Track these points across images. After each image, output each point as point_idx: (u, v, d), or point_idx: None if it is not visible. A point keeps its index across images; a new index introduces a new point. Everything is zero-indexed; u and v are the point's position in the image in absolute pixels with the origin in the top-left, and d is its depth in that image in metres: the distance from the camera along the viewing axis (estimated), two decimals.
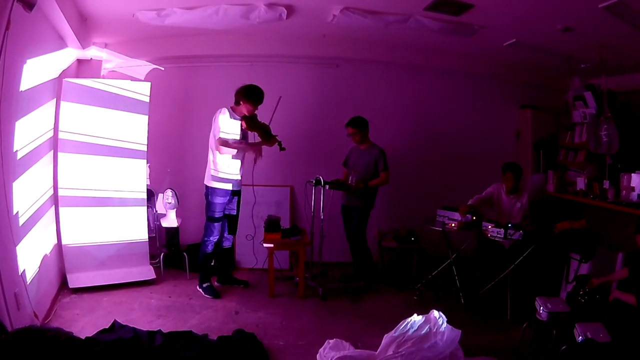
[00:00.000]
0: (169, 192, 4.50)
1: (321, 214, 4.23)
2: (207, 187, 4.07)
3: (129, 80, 4.45)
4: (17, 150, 2.99)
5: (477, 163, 5.32)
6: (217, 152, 3.96)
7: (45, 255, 3.60)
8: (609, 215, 4.33)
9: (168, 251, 4.55)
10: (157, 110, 4.58)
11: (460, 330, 2.98)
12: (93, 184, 4.15)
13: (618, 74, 4.53)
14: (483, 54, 4.89)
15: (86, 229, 4.13)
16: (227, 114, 3.96)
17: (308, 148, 5.05)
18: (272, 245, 4.17)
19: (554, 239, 3.98)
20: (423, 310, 3.23)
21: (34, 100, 3.31)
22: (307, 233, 4.43)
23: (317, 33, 4.56)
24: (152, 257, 4.53)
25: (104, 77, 4.45)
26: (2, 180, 2.68)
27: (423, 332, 3.00)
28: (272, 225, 4.28)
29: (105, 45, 4.49)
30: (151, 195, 4.61)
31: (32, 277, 3.18)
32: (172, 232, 4.58)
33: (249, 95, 3.97)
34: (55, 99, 3.90)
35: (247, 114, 3.99)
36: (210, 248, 4.15)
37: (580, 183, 4.87)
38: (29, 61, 3.02)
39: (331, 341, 3.10)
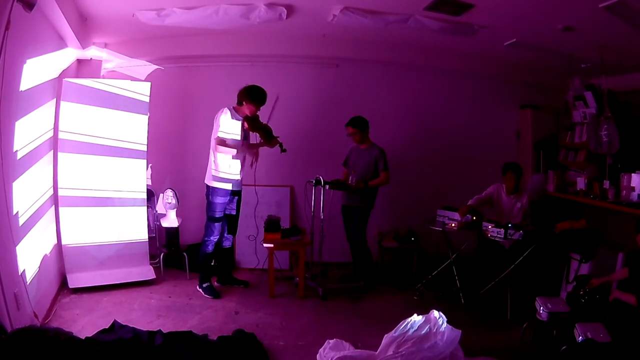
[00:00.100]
0: (169, 192, 4.51)
1: (321, 214, 4.23)
2: (207, 186, 4.07)
3: (129, 80, 4.44)
4: (17, 150, 2.99)
5: (477, 163, 5.32)
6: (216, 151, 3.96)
7: (45, 255, 3.60)
8: (609, 215, 4.32)
9: (168, 251, 4.54)
10: (157, 110, 4.59)
11: (460, 330, 2.98)
12: (93, 184, 4.15)
13: (618, 74, 4.52)
14: (483, 54, 4.88)
15: (86, 229, 4.13)
16: (229, 114, 3.96)
17: (308, 148, 5.05)
18: (272, 245, 4.17)
19: (554, 239, 3.97)
20: (423, 310, 3.23)
21: (34, 100, 3.31)
22: (307, 233, 4.43)
23: (317, 33, 4.55)
24: (152, 257, 4.53)
25: (104, 77, 4.45)
26: (2, 180, 2.68)
27: (423, 332, 3.00)
28: (272, 225, 4.27)
29: (105, 45, 4.49)
30: (151, 195, 4.61)
31: (32, 277, 3.18)
32: (172, 232, 4.58)
33: (252, 96, 3.97)
34: (55, 99, 3.90)
35: (249, 114, 4.00)
36: (210, 248, 4.15)
37: (581, 183, 4.86)
38: (29, 61, 3.01)
39: (331, 341, 3.10)
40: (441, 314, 3.12)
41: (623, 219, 4.01)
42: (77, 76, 4.31)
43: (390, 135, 5.01)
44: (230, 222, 4.27)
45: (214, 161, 4.02)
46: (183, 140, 5.01)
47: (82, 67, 4.45)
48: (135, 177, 4.35)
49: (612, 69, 4.34)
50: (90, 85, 4.12)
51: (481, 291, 4.19)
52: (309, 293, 4.25)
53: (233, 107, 4.04)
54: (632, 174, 4.15)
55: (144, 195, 4.40)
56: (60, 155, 3.99)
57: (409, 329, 3.04)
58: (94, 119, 4.10)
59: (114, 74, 4.64)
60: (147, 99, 4.32)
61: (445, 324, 3.02)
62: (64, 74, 4.01)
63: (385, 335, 3.04)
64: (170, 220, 4.53)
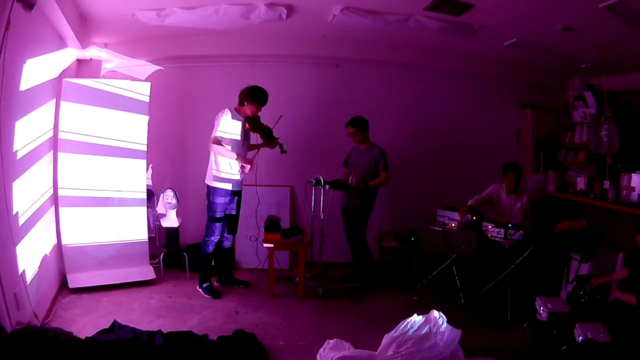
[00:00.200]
0: (169, 192, 4.51)
1: (321, 214, 4.23)
2: (208, 186, 4.07)
3: (129, 80, 4.44)
4: (17, 150, 2.99)
5: (477, 163, 5.32)
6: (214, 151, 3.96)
7: (45, 255, 3.60)
8: (609, 215, 4.32)
9: (168, 251, 4.54)
10: (157, 110, 4.59)
11: (460, 331, 2.98)
12: (93, 184, 4.15)
13: (618, 74, 4.52)
14: (483, 54, 4.88)
15: (86, 229, 4.12)
16: (229, 114, 3.96)
17: (308, 148, 5.05)
18: (272, 245, 4.17)
19: (554, 239, 3.97)
20: (423, 310, 3.23)
21: (34, 100, 3.31)
22: (307, 233, 4.43)
23: (317, 33, 4.55)
24: (152, 257, 4.53)
25: (104, 77, 4.45)
26: (2, 180, 2.69)
27: (423, 332, 3.00)
28: (272, 225, 4.27)
29: (105, 45, 4.49)
30: (151, 195, 4.61)
31: (32, 277, 3.17)
32: (172, 232, 4.57)
33: (253, 96, 3.97)
34: (55, 99, 3.90)
35: (250, 114, 4.00)
36: (211, 248, 4.15)
37: (581, 183, 4.86)
38: (29, 61, 3.02)
39: (331, 341, 3.10)
40: (441, 314, 3.12)
41: (623, 219, 4.01)
42: (77, 76, 4.31)
43: (390, 135, 5.01)
44: (230, 222, 4.27)
45: (215, 161, 4.02)
46: (183, 140, 5.01)
47: (82, 67, 4.45)
48: (135, 177, 4.35)
49: (612, 69, 4.34)
50: (90, 85, 4.12)
51: (481, 291, 4.18)
52: (309, 293, 4.25)
53: (234, 108, 4.04)
54: (632, 174, 4.15)
55: (144, 195, 4.40)
56: (60, 155, 3.99)
57: (409, 329, 3.04)
58: (94, 119, 4.10)
59: (114, 74, 4.64)
60: (147, 99, 4.32)
61: (445, 324, 3.02)
62: (64, 74, 4.01)
63: (385, 335, 3.04)
64: (170, 220, 4.53)
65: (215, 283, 4.27)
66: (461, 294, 4.18)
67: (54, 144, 3.96)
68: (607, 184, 4.45)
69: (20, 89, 2.95)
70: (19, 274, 2.90)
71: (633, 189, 4.12)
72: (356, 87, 5.22)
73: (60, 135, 3.96)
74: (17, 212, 2.97)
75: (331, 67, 5.17)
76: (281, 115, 4.08)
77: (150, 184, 4.54)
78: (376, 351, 2.96)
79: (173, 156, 4.99)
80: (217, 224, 4.10)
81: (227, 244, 4.34)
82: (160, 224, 4.58)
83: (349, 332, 3.39)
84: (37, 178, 3.49)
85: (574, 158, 5.22)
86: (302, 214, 4.91)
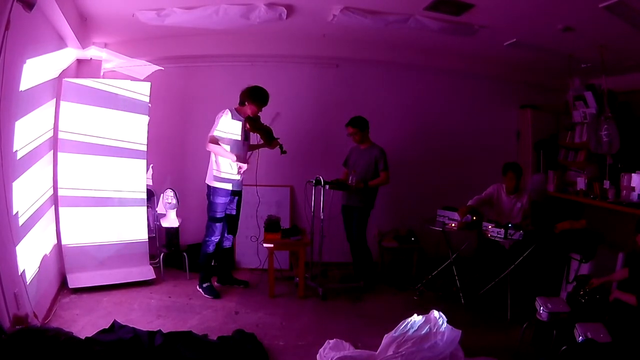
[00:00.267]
0: (169, 192, 4.51)
1: (321, 214, 4.23)
2: (208, 186, 4.07)
3: (129, 80, 4.45)
4: (17, 150, 2.99)
5: (477, 163, 5.32)
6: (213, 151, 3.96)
7: (45, 255, 3.60)
8: (609, 215, 4.32)
9: (168, 251, 4.54)
10: (157, 110, 4.59)
11: (460, 331, 2.98)
12: (93, 184, 4.14)
13: (618, 74, 4.52)
14: (483, 54, 4.88)
15: (86, 229, 4.12)
16: (229, 115, 3.96)
17: (308, 148, 5.05)
18: (272, 245, 4.17)
19: (555, 239, 3.97)
20: (423, 310, 3.23)
21: (34, 100, 3.31)
22: (307, 233, 4.43)
23: (317, 33, 4.55)
24: (152, 257, 4.53)
25: (104, 77, 4.45)
26: (2, 180, 2.69)
27: (423, 332, 3.00)
28: (272, 225, 4.27)
29: (105, 45, 4.49)
30: (151, 196, 4.61)
31: (32, 277, 3.17)
32: (172, 232, 4.57)
33: (254, 97, 3.98)
34: (55, 99, 3.90)
35: (251, 115, 4.00)
36: (211, 248, 4.15)
37: (581, 183, 4.86)
38: (28, 61, 3.02)
39: (331, 341, 3.10)
40: (441, 314, 3.12)
41: (623, 219, 4.01)
42: (77, 76, 4.31)
43: (390, 135, 5.01)
44: (231, 222, 4.27)
45: (215, 161, 4.02)
46: (183, 140, 5.00)
47: (82, 67, 4.45)
48: (135, 177, 4.35)
49: (612, 69, 4.34)
50: (90, 85, 4.12)
51: (481, 291, 4.18)
52: (309, 293, 4.25)
53: (235, 108, 4.04)
54: (632, 174, 4.15)
55: (144, 195, 4.40)
56: (60, 155, 3.98)
57: (409, 329, 3.04)
58: (94, 119, 4.10)
59: (114, 74, 4.64)
60: (147, 99, 4.32)
61: (445, 324, 3.02)
62: (63, 74, 4.01)
63: (385, 335, 3.04)
64: (170, 220, 4.53)
65: (215, 283, 4.27)
66: (461, 294, 4.18)
67: (54, 144, 3.96)
68: (607, 184, 4.45)
69: (20, 89, 2.95)
70: (19, 274, 2.90)
71: (633, 189, 4.12)
72: (356, 87, 5.22)
73: (60, 135, 3.96)
74: (17, 212, 2.97)
75: (331, 67, 5.17)
76: (277, 113, 4.07)
77: (151, 184, 4.54)
78: (376, 351, 2.96)
79: (173, 156, 4.99)
80: (217, 224, 4.10)
81: (227, 244, 4.34)
82: (160, 224, 4.58)
83: (349, 332, 3.39)
84: (37, 178, 3.49)
85: (574, 158, 5.22)
86: (302, 214, 4.91)
